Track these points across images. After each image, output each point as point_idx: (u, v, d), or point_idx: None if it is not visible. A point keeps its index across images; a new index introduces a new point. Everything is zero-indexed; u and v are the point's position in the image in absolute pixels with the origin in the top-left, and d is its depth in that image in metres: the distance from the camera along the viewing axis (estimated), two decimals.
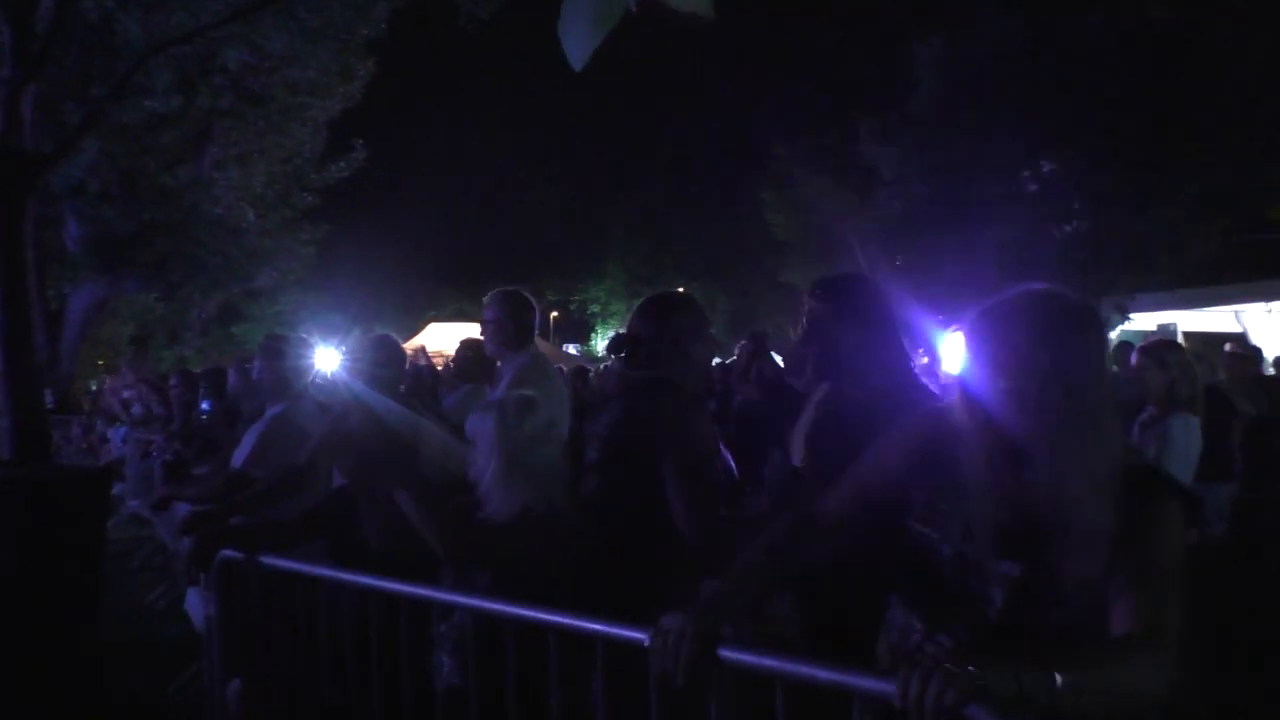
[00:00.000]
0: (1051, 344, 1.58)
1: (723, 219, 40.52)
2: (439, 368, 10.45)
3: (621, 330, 2.81)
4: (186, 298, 17.84)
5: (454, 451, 3.05)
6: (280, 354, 4.09)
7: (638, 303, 2.86)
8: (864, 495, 1.87)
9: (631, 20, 1.40)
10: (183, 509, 4.45)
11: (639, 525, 2.50)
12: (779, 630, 2.55)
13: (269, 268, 17.45)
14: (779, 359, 7.12)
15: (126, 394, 9.24)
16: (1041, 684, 1.37)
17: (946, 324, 1.74)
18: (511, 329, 3.85)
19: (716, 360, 8.28)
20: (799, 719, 1.68)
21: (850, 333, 2.55)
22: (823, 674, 1.61)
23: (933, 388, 2.65)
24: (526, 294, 3.98)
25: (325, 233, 21.99)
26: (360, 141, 20.01)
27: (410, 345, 16.53)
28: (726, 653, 1.70)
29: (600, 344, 41.27)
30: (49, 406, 8.62)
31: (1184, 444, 3.93)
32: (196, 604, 3.99)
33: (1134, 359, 4.30)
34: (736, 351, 8.24)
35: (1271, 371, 8.99)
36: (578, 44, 1.36)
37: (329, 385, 4.45)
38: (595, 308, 45.96)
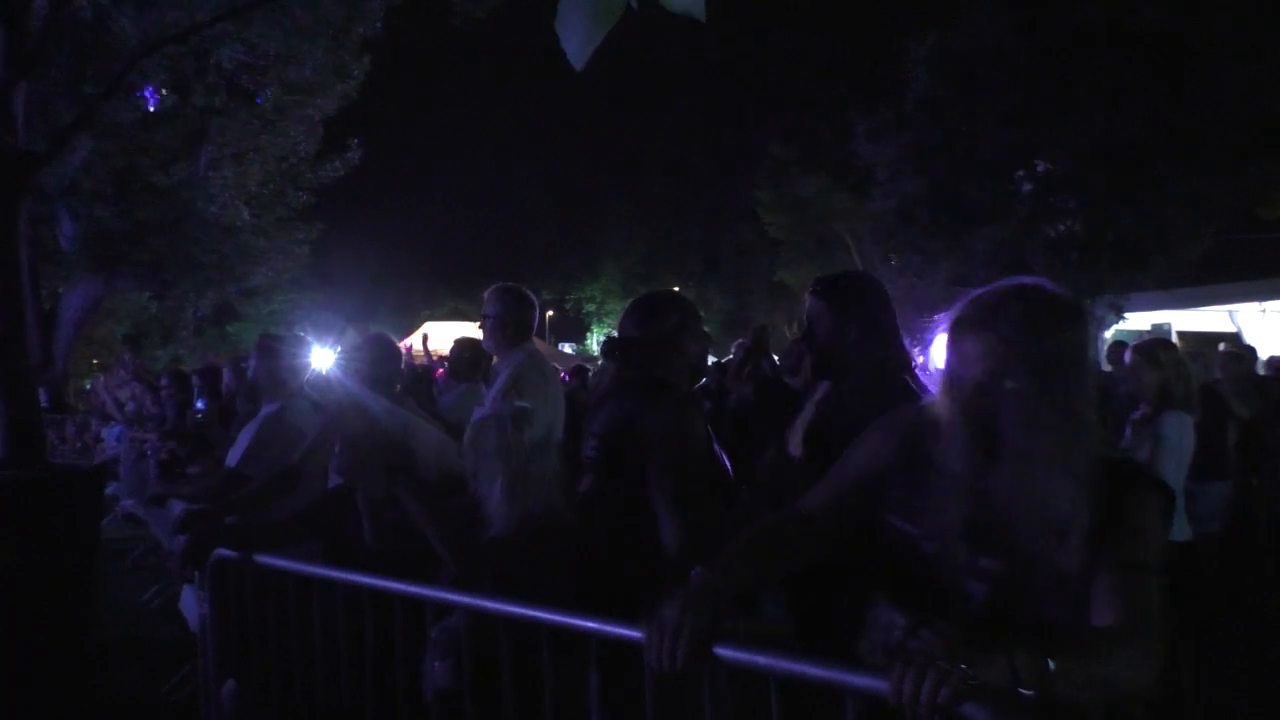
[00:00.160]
0: (1032, 337, 1.58)
1: (718, 218, 40.56)
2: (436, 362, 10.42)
3: (614, 332, 2.81)
4: (181, 297, 17.78)
5: (450, 451, 3.05)
6: (275, 353, 4.09)
7: (628, 303, 2.87)
8: (847, 492, 1.87)
9: (629, 19, 1.40)
10: (177, 507, 4.44)
11: (633, 524, 2.50)
12: (772, 628, 2.56)
13: (264, 267, 17.42)
14: (775, 357, 7.11)
15: (121, 393, 9.22)
16: (1034, 669, 1.37)
17: (941, 322, 1.73)
18: (511, 326, 3.85)
19: (712, 359, 8.28)
20: (792, 716, 1.68)
21: (849, 331, 2.55)
22: (816, 671, 1.61)
23: (931, 387, 2.66)
24: (527, 291, 3.98)
25: (320, 232, 21.96)
26: (356, 140, 19.98)
27: (409, 342, 16.52)
28: (721, 650, 1.71)
29: (596, 343, 41.26)
30: (43, 405, 8.59)
31: (1178, 442, 3.95)
32: (191, 603, 3.98)
33: (1128, 358, 4.32)
34: (732, 350, 8.24)
35: (1264, 371, 9.00)
36: (577, 42, 1.36)
37: (324, 384, 4.44)
38: (591, 307, 45.96)
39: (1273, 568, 5.92)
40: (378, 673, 2.47)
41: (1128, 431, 4.09)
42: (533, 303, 3.96)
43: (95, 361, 21.24)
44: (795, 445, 2.70)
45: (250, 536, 2.90)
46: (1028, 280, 1.68)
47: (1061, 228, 17.92)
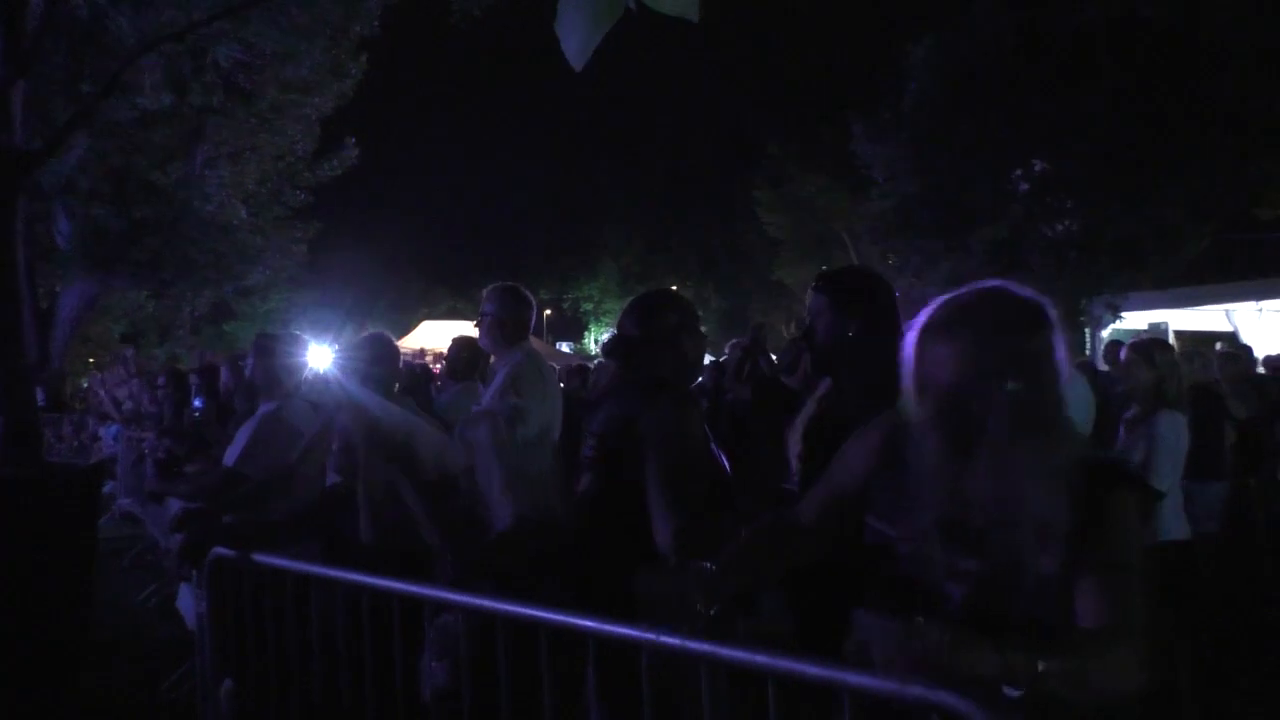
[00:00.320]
0: (997, 341, 1.59)
1: (716, 217, 40.57)
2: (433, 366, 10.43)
3: (613, 332, 2.81)
4: (178, 295, 17.78)
5: (449, 451, 3.05)
6: (272, 352, 4.08)
7: (626, 303, 2.87)
8: (836, 496, 1.90)
9: (627, 19, 1.40)
10: (174, 506, 4.44)
11: (633, 524, 2.50)
12: (772, 628, 2.56)
13: (261, 266, 17.41)
14: (773, 356, 7.11)
15: (119, 391, 9.21)
16: (1025, 668, 1.38)
17: (911, 328, 1.76)
18: (509, 325, 3.84)
19: (709, 358, 8.28)
20: (790, 715, 1.68)
21: (850, 328, 2.54)
22: (813, 670, 1.62)
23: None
24: (525, 291, 3.98)
25: (318, 231, 21.95)
26: (353, 139, 19.97)
27: (407, 345, 16.50)
28: (720, 650, 1.71)
29: (593, 342, 41.27)
30: (40, 404, 8.59)
31: (1173, 442, 3.95)
32: (188, 602, 3.98)
33: (1123, 357, 4.33)
34: (727, 349, 8.24)
35: (1262, 371, 9.02)
36: (576, 43, 1.36)
37: (321, 383, 4.44)
38: (588, 306, 45.94)
39: (1270, 568, 5.93)
40: (376, 672, 2.48)
41: (1122, 431, 4.10)
42: (530, 303, 3.97)
43: (92, 360, 21.23)
44: (795, 443, 2.70)
45: (248, 535, 2.90)
46: (992, 284, 1.69)
47: (1059, 227, 17.94)
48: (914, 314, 1.74)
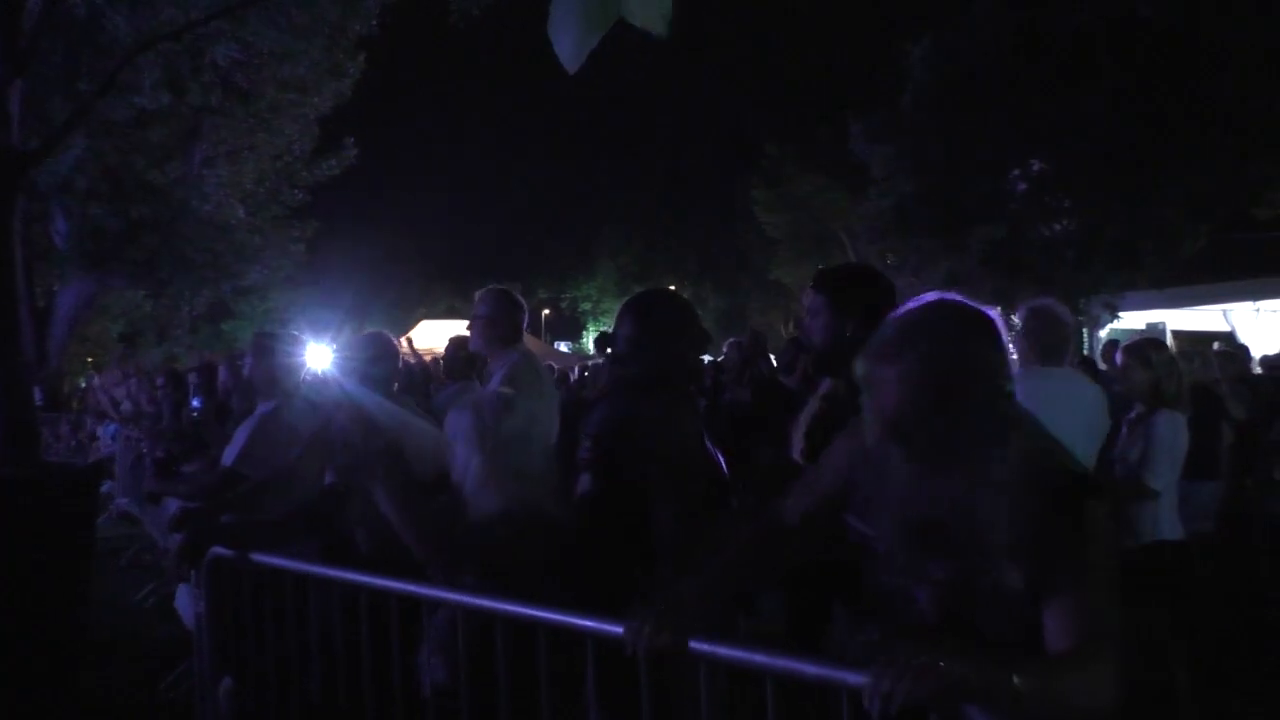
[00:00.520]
0: (938, 357, 1.58)
1: (714, 217, 40.54)
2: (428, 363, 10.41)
3: (608, 329, 2.81)
4: (176, 295, 17.75)
5: (444, 449, 3.05)
6: (271, 351, 4.08)
7: (625, 301, 2.87)
8: (820, 497, 1.91)
9: (625, 20, 1.40)
10: (172, 506, 4.44)
11: (630, 523, 2.51)
12: (770, 627, 2.57)
13: (259, 265, 17.39)
14: (771, 357, 7.12)
15: (117, 391, 9.21)
16: (1000, 683, 1.36)
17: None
18: (502, 326, 3.86)
19: (707, 358, 8.29)
20: (788, 714, 1.69)
21: (847, 327, 2.54)
22: (811, 669, 1.62)
23: None
24: (516, 293, 4.01)
25: (315, 230, 21.95)
26: (351, 139, 19.96)
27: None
28: (718, 649, 1.71)
29: (591, 342, 41.23)
30: (38, 404, 8.58)
31: (1171, 441, 3.95)
32: (186, 602, 3.98)
33: (1119, 358, 4.33)
34: (725, 348, 8.24)
35: (1259, 370, 9.04)
36: (570, 45, 1.37)
37: (320, 383, 4.44)
38: (586, 305, 45.91)
39: (1267, 567, 5.93)
40: (374, 670, 2.48)
41: (1124, 431, 4.10)
42: (522, 305, 4.00)
43: (90, 360, 21.20)
44: (799, 441, 2.70)
45: (246, 535, 2.90)
46: (934, 298, 1.68)
47: (1057, 227, 17.96)
48: None
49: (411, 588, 2.40)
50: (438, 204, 45.37)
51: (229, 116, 16.19)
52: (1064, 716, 1.41)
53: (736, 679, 1.75)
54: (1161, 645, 3.87)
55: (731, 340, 8.23)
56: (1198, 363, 6.59)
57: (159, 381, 7.68)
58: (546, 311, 44.31)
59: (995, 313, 1.66)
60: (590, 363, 14.50)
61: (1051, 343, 3.85)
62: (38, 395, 9.10)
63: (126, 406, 8.69)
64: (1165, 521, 3.95)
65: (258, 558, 2.76)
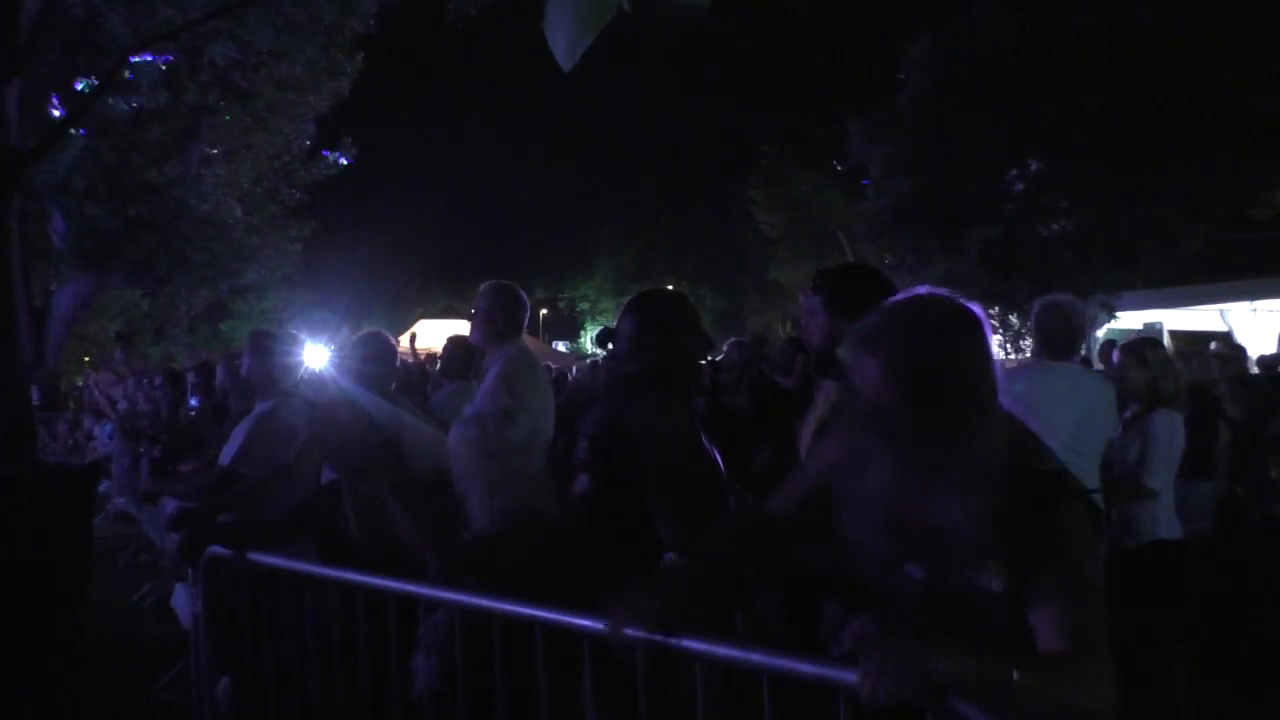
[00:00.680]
0: (920, 342, 1.57)
1: (712, 217, 40.53)
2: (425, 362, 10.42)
3: (610, 325, 2.81)
4: (173, 294, 17.74)
5: (443, 449, 3.05)
6: (268, 351, 4.08)
7: (628, 299, 2.87)
8: (807, 490, 1.91)
9: (622, 18, 1.41)
10: (170, 505, 4.44)
11: (628, 523, 2.51)
12: (768, 625, 2.57)
13: (256, 264, 17.35)
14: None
15: (114, 390, 9.21)
16: (1000, 676, 1.36)
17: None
18: (502, 322, 3.86)
19: (706, 358, 8.29)
20: (785, 712, 1.69)
21: (841, 329, 2.53)
22: (807, 668, 1.62)
23: None
24: (520, 290, 4.00)
25: (313, 229, 21.90)
26: (349, 138, 19.93)
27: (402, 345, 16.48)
28: (716, 648, 1.72)
29: (589, 341, 41.22)
30: (35, 403, 8.56)
31: (1167, 441, 3.96)
32: (183, 601, 3.98)
33: (1115, 357, 4.34)
34: (724, 348, 8.25)
35: (1256, 370, 9.05)
36: (565, 44, 1.37)
37: (318, 382, 4.44)
38: (584, 305, 45.91)
39: (1266, 566, 5.94)
40: (372, 670, 2.48)
41: (1121, 429, 4.10)
42: (524, 302, 3.99)
43: (87, 359, 21.15)
44: (806, 440, 2.70)
45: (244, 534, 2.90)
46: (918, 292, 1.67)
47: (1054, 227, 17.97)
48: None
49: (409, 587, 2.40)
50: (435, 203, 45.32)
51: (227, 115, 16.17)
52: (1063, 716, 1.40)
53: (733, 677, 1.76)
54: (1161, 645, 3.88)
55: (731, 340, 8.24)
56: (1195, 363, 6.59)
57: (157, 381, 7.67)
58: (544, 311, 44.31)
59: (981, 309, 1.64)
60: (588, 360, 14.47)
61: (1060, 338, 3.85)
62: (35, 394, 9.10)
63: (123, 406, 8.68)
64: (1164, 521, 3.95)
65: (255, 557, 2.76)
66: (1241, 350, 8.10)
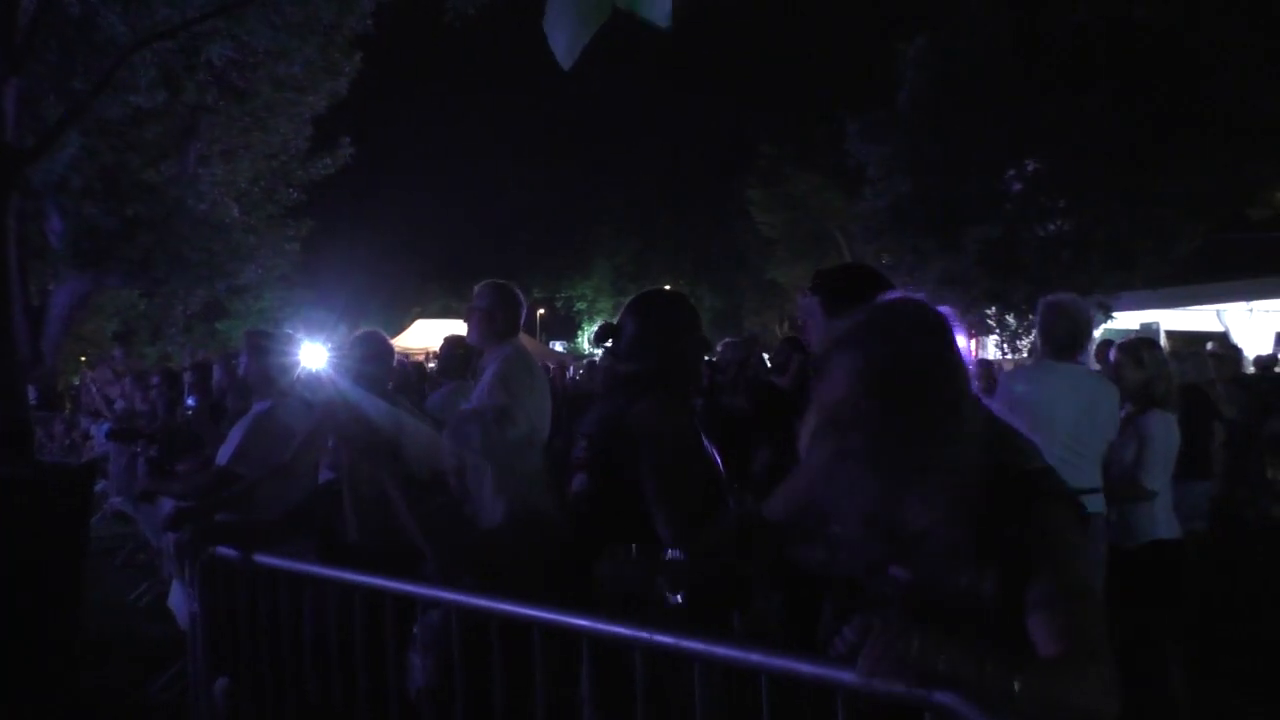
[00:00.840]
0: (884, 348, 1.57)
1: (710, 216, 40.55)
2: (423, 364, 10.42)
3: (610, 321, 2.81)
4: (170, 294, 17.71)
5: (438, 449, 3.05)
6: (266, 350, 4.08)
7: (628, 299, 2.86)
8: (800, 489, 1.91)
9: (620, 17, 1.40)
10: (167, 505, 4.43)
11: (630, 523, 2.51)
12: (767, 625, 2.57)
13: (254, 264, 17.35)
14: (765, 356, 7.14)
15: (111, 390, 9.19)
16: (1001, 675, 1.36)
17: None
18: (500, 320, 3.86)
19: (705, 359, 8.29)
20: (784, 713, 1.69)
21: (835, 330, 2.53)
22: (806, 668, 1.62)
23: None
24: (517, 289, 4.00)
25: (311, 229, 21.88)
26: (347, 138, 19.92)
27: (400, 345, 16.47)
28: (714, 647, 1.71)
29: (586, 341, 41.22)
30: (32, 403, 8.55)
31: (1163, 441, 3.97)
32: (180, 601, 3.97)
33: (1112, 357, 4.35)
34: (719, 348, 8.26)
35: (1252, 370, 9.07)
36: (565, 42, 1.36)
37: (314, 382, 4.44)
38: (582, 305, 45.91)
39: (1262, 566, 5.95)
40: (369, 669, 2.48)
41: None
42: (521, 300, 3.99)
43: (84, 359, 21.12)
44: (805, 441, 2.70)
45: (241, 534, 2.90)
46: (891, 298, 1.69)
47: (1052, 227, 17.99)
48: None
49: (407, 587, 2.40)
50: (433, 203, 45.30)
51: (224, 115, 16.15)
52: (1063, 717, 1.40)
53: (729, 676, 1.76)
54: (1159, 644, 3.88)
55: (727, 340, 8.25)
56: (1191, 364, 6.59)
57: (154, 380, 7.66)
58: (542, 311, 44.30)
59: (951, 313, 1.65)
60: (586, 360, 14.46)
61: (1064, 337, 3.85)
62: (32, 394, 9.08)
63: (120, 405, 8.67)
64: (1162, 521, 3.96)
65: (253, 557, 2.76)
66: (1238, 350, 8.11)
